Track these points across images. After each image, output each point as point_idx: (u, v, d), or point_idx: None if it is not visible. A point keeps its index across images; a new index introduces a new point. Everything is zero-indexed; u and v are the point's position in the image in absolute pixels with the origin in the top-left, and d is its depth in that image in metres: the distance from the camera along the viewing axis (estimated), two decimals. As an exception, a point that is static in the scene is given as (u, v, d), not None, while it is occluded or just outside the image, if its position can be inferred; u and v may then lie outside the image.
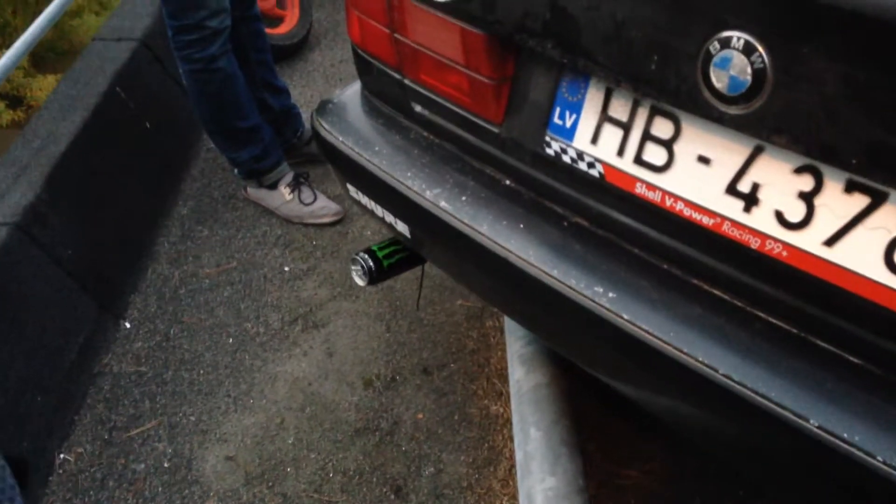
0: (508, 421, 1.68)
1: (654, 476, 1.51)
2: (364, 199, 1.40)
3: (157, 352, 1.88)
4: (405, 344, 1.88)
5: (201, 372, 1.82)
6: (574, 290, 1.00)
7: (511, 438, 1.64)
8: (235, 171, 2.33)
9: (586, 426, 1.48)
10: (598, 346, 1.07)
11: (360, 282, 1.46)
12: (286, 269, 2.11)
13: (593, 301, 0.98)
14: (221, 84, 2.07)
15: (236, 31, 2.15)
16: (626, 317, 0.94)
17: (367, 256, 1.44)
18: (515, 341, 1.66)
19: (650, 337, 0.92)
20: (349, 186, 1.42)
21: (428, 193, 1.19)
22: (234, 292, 2.04)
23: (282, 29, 3.14)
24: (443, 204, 1.16)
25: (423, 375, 1.80)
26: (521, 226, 1.09)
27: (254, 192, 2.35)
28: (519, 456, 1.45)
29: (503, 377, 1.78)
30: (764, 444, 0.89)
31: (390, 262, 1.47)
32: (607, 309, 0.96)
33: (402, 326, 1.92)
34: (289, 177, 2.32)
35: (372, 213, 1.39)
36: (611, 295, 0.97)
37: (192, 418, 1.71)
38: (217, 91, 2.08)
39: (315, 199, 2.31)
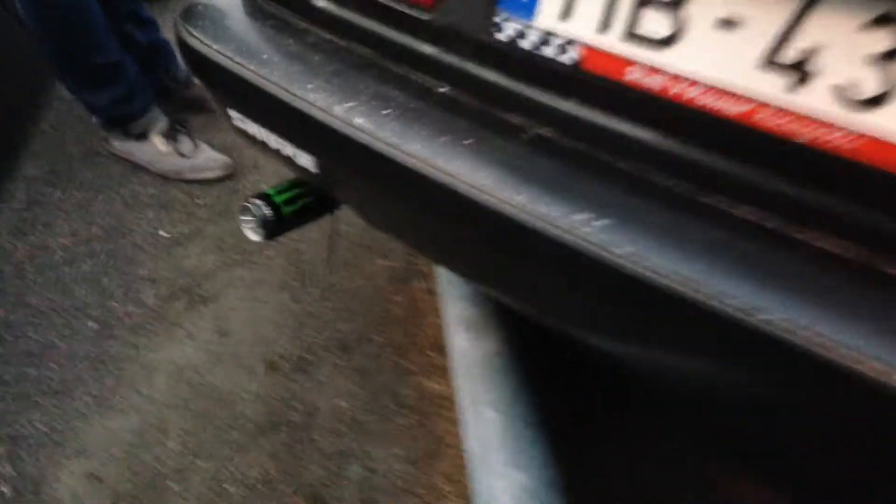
0: (450, 400, 1.43)
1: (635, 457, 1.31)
2: (252, 128, 1.11)
3: (-5, 345, 1.53)
4: (316, 316, 1.60)
5: (53, 366, 1.49)
6: (547, 219, 0.75)
7: (455, 422, 1.40)
8: (94, 119, 1.97)
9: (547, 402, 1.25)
10: (579, 294, 0.83)
11: (253, 236, 1.17)
12: (162, 233, 1.79)
13: (574, 232, 0.73)
14: (68, 8, 1.71)
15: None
16: (621, 251, 0.70)
17: (261, 203, 1.16)
18: (455, 303, 1.41)
19: (656, 275, 0.68)
20: (231, 112, 1.13)
21: (337, 109, 0.91)
22: (96, 265, 1.70)
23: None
24: (358, 121, 0.89)
25: (340, 352, 1.53)
26: (468, 142, 0.83)
27: (120, 146, 1.99)
28: (470, 445, 1.21)
29: (439, 348, 1.53)
30: (805, 402, 0.67)
31: (292, 208, 1.19)
32: (593, 241, 0.72)
33: (312, 295, 1.65)
34: (162, 123, 1.98)
35: (264, 145, 1.11)
36: (598, 223, 0.73)
37: (41, 427, 1.39)
38: (63, 17, 1.71)
39: (196, 149, 1.98)
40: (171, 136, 1.96)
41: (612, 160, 0.78)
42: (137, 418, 1.41)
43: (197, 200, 1.89)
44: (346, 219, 1.81)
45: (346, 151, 0.91)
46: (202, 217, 1.84)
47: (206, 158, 1.96)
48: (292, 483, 1.31)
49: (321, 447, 1.36)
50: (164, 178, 1.95)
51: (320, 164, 1.02)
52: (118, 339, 1.55)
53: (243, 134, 1.15)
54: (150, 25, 2.07)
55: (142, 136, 1.95)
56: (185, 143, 1.97)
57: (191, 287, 1.66)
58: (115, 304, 1.62)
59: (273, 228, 1.17)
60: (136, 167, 1.97)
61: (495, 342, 1.31)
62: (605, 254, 0.71)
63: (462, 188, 0.80)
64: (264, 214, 1.15)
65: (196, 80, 2.15)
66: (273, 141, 1.08)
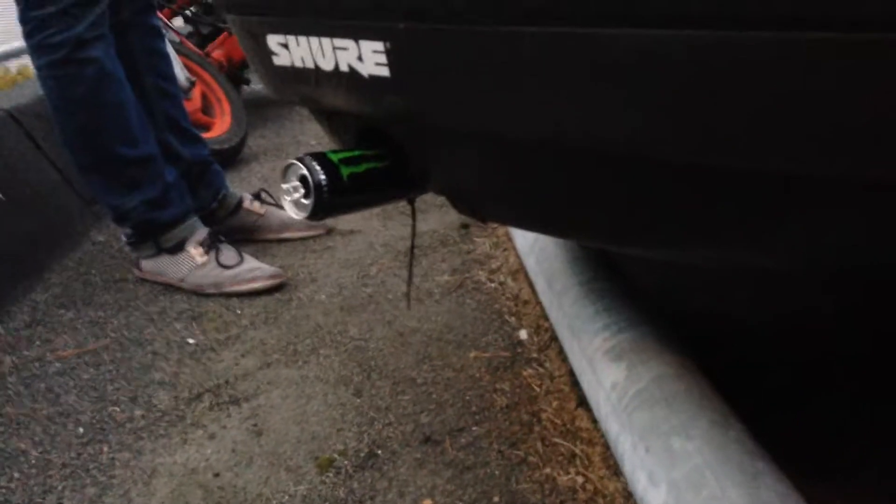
0: (599, 493, 0.99)
1: None
2: (301, 48, 0.87)
3: (-54, 465, 1.18)
4: (389, 409, 1.22)
5: (15, 475, 1.12)
6: None
7: (609, 514, 0.94)
8: (123, 236, 1.77)
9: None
10: None
11: (295, 212, 0.87)
12: (190, 341, 1.48)
13: None
14: (94, 84, 1.59)
15: (125, 41, 1.72)
16: None
17: (311, 161, 0.86)
18: (591, 339, 1.03)
19: None
20: (271, 38, 0.90)
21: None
22: (100, 374, 1.39)
23: (211, 134, 2.83)
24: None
25: (425, 446, 1.12)
26: None
27: (150, 266, 1.77)
28: (656, 500, 0.77)
29: (571, 434, 1.11)
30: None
31: (353, 170, 0.89)
32: None
33: (381, 389, 1.27)
34: (201, 233, 1.76)
35: (315, 75, 0.86)
36: None
37: (-22, 544, 1.00)
38: (88, 95, 1.59)
39: (241, 260, 1.73)
40: (211, 245, 1.73)
41: None
42: (120, 530, 1.00)
43: (238, 311, 1.60)
44: (420, 313, 1.48)
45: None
46: (242, 325, 1.54)
47: (251, 268, 1.71)
48: None
49: (400, 556, 0.91)
50: (201, 293, 1.68)
51: (403, 51, 0.72)
52: (112, 444, 1.19)
53: (287, 74, 0.90)
54: (196, 141, 1.94)
55: (176, 248, 1.73)
56: (228, 254, 1.73)
57: (219, 388, 1.31)
58: (116, 409, 1.28)
59: (326, 197, 0.85)
60: (169, 288, 1.72)
61: (660, 364, 0.92)
62: None
63: None
64: (316, 173, 0.85)
65: (246, 205, 1.97)
66: (328, 51, 0.82)
